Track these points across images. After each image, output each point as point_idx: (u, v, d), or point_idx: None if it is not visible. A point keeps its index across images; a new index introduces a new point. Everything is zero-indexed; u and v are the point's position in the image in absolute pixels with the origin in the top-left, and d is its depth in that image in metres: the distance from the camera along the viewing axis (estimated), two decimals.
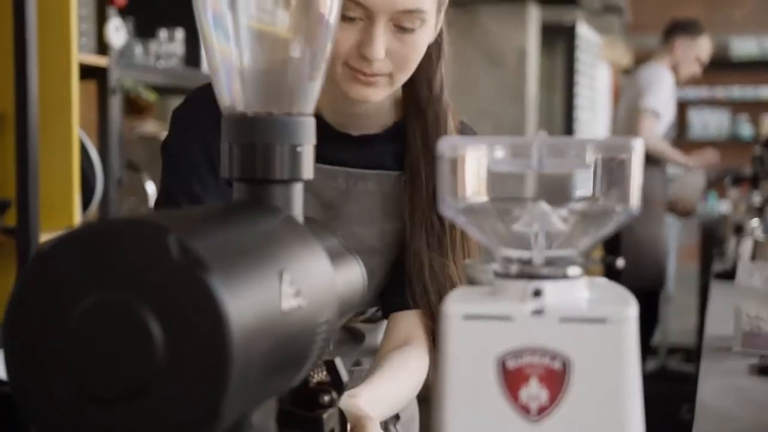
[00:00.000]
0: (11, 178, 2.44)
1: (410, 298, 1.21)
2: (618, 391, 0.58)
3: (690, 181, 4.68)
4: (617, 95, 6.46)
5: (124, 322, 0.48)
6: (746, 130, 7.52)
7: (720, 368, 1.59)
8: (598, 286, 0.63)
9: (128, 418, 0.49)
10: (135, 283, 0.49)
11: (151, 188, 3.15)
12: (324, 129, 0.87)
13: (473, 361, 0.59)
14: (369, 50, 1.09)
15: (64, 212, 2.58)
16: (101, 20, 2.85)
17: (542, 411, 0.58)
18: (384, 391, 1.13)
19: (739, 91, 7.58)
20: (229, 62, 0.62)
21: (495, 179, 0.62)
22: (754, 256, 2.36)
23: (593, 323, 0.58)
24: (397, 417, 1.29)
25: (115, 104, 2.92)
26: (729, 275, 2.33)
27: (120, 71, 2.92)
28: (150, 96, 3.20)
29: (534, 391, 0.58)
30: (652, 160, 4.08)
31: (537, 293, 0.59)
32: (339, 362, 0.71)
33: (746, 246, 2.48)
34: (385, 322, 1.27)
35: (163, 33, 3.33)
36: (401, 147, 1.23)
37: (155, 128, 3.80)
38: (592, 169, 0.62)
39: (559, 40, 5.83)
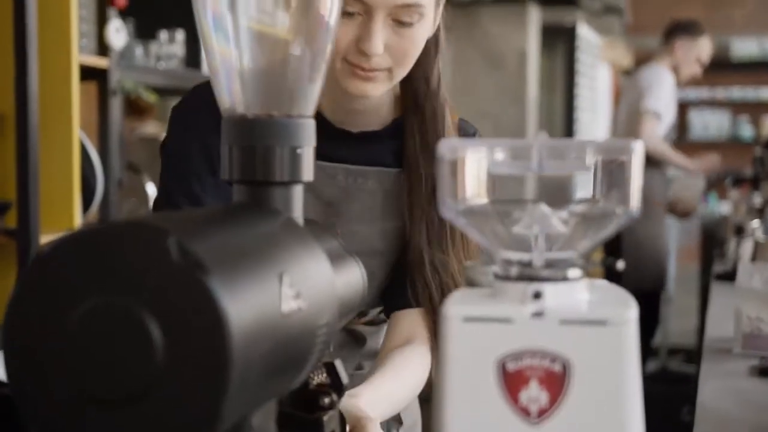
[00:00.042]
0: (11, 179, 2.44)
1: (412, 296, 1.21)
2: (618, 393, 0.58)
3: (690, 182, 4.68)
4: (617, 96, 6.46)
5: (124, 324, 0.48)
6: (747, 131, 7.52)
7: (720, 370, 1.59)
8: (598, 288, 0.63)
9: (128, 420, 0.49)
10: (135, 286, 0.49)
11: (151, 189, 3.15)
12: (324, 126, 0.87)
13: (473, 363, 0.59)
14: (368, 45, 1.09)
15: (64, 214, 2.58)
16: (102, 21, 2.86)
17: (542, 413, 0.58)
18: (385, 390, 1.12)
19: (739, 92, 7.58)
20: (229, 64, 0.62)
21: (495, 181, 0.62)
22: (754, 258, 2.36)
23: (593, 325, 0.58)
24: (400, 422, 1.28)
25: (116, 105, 2.92)
26: (729, 276, 2.33)
27: (120, 72, 2.93)
28: (150, 97, 3.20)
29: (534, 394, 0.58)
30: (652, 161, 4.08)
31: (537, 295, 0.59)
32: (339, 364, 0.71)
33: (747, 247, 2.48)
34: (386, 326, 1.27)
35: (163, 34, 3.33)
36: (401, 144, 1.23)
37: (155, 129, 3.80)
38: (592, 171, 0.62)
39: (559, 41, 5.83)
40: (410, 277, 1.21)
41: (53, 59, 2.53)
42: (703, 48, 4.40)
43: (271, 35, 0.63)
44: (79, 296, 0.49)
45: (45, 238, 2.40)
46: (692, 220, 5.02)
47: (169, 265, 0.48)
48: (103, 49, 2.86)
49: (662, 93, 4.25)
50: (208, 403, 0.48)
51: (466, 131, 1.29)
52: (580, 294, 0.60)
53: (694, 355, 4.62)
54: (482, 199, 0.62)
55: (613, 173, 0.61)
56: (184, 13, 2.18)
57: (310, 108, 0.64)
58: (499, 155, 0.61)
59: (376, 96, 1.16)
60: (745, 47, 7.47)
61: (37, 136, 2.38)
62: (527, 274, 0.60)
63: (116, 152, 2.93)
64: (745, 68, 7.43)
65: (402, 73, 1.15)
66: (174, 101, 1.29)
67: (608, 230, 0.62)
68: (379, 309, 1.30)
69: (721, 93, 7.58)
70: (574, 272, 0.60)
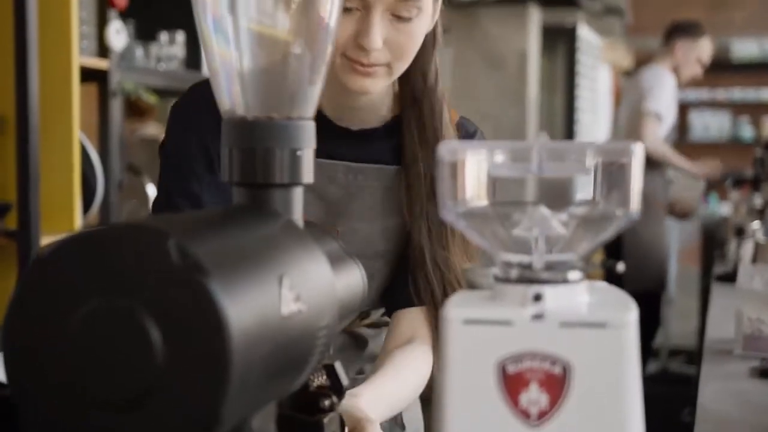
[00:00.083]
0: (12, 181, 2.44)
1: (414, 294, 1.21)
2: (618, 395, 0.58)
3: (690, 183, 4.68)
4: (618, 97, 6.46)
5: (124, 326, 0.48)
6: (747, 132, 7.51)
7: (721, 371, 1.59)
8: (599, 290, 0.63)
9: (128, 422, 0.49)
10: (135, 288, 0.49)
11: (151, 191, 3.15)
12: (324, 123, 0.87)
13: (473, 365, 0.59)
14: (366, 40, 1.09)
15: (64, 215, 2.58)
16: (102, 23, 2.86)
17: (542, 416, 0.58)
18: (386, 390, 1.12)
19: (740, 93, 7.58)
20: (229, 65, 0.62)
21: (495, 183, 0.62)
22: (755, 259, 2.36)
23: (593, 328, 0.58)
24: (402, 428, 1.28)
25: (116, 107, 2.93)
26: (730, 278, 2.33)
27: (121, 74, 2.93)
28: (150, 99, 3.20)
29: (534, 396, 0.58)
30: (652, 163, 4.08)
31: (537, 298, 0.59)
32: (339, 366, 0.71)
33: (747, 248, 2.48)
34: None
35: (163, 36, 3.33)
36: (400, 141, 1.23)
37: (156, 131, 3.80)
38: (593, 173, 0.62)
39: (559, 42, 5.83)
40: (412, 274, 1.20)
41: (53, 61, 2.53)
42: (703, 49, 4.40)
43: (271, 37, 0.63)
44: (80, 298, 0.49)
45: (45, 240, 2.41)
46: (693, 222, 5.02)
47: (170, 268, 0.48)
48: (103, 50, 2.87)
49: (663, 94, 4.25)
50: (208, 405, 0.48)
51: (466, 129, 1.28)
52: (580, 296, 0.60)
53: (694, 356, 4.62)
54: (482, 202, 0.62)
55: (613, 175, 0.61)
56: (185, 15, 2.18)
57: (310, 110, 0.64)
58: (499, 157, 0.61)
59: (376, 92, 1.16)
60: (745, 48, 7.46)
61: (38, 137, 2.39)
62: (527, 277, 0.60)
63: (116, 153, 2.93)
64: (746, 69, 7.43)
65: (401, 67, 1.15)
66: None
67: (608, 232, 0.62)
68: (381, 311, 1.30)
69: (721, 94, 7.58)
70: (574, 274, 0.60)
